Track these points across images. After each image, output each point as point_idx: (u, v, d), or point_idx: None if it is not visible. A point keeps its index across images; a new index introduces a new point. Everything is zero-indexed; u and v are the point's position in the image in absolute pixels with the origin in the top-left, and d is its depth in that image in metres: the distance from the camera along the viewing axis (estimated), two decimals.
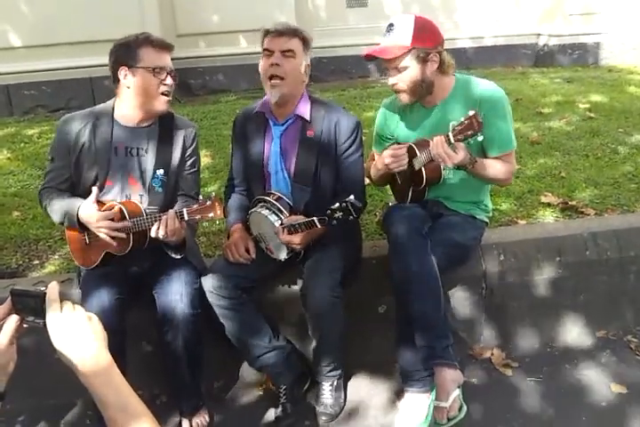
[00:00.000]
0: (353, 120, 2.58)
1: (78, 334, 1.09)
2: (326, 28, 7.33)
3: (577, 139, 4.58)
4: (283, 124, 2.56)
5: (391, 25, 2.43)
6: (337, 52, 7.35)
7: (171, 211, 2.25)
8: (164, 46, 2.40)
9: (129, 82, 2.37)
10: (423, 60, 2.41)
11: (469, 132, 2.19)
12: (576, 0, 7.67)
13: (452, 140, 2.25)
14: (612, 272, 2.97)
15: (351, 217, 2.19)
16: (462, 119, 2.20)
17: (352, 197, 2.20)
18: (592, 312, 2.99)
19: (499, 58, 7.95)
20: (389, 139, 2.74)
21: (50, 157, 2.53)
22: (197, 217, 2.18)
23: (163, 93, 2.40)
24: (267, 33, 2.46)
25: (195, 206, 2.18)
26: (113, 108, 2.48)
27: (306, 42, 2.49)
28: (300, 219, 2.34)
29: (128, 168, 2.46)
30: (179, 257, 2.46)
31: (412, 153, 2.49)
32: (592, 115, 5.17)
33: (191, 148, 2.57)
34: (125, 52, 2.36)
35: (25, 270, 3.12)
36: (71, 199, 2.42)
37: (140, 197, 2.47)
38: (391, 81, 2.48)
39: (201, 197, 2.24)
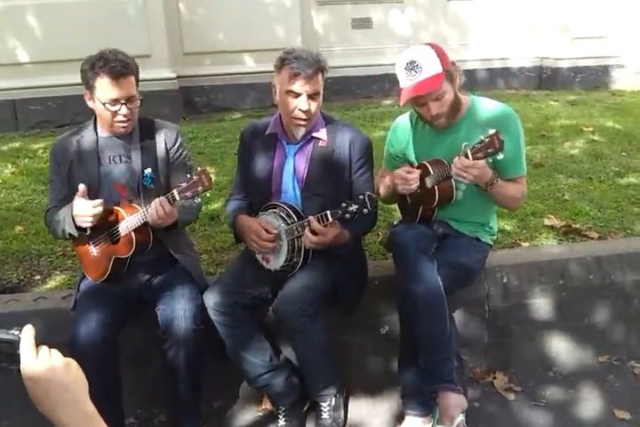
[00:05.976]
0: (366, 140, 2.61)
1: (54, 383, 0.99)
2: (332, 48, 7.39)
3: (580, 162, 4.59)
4: (297, 144, 2.56)
5: (413, 62, 2.33)
6: (342, 72, 7.40)
7: (159, 198, 2.26)
8: (120, 74, 2.32)
9: (91, 105, 2.44)
10: (451, 80, 2.41)
11: (490, 150, 2.18)
12: (581, 24, 7.73)
13: (471, 159, 2.23)
14: (616, 296, 2.95)
15: (365, 210, 2.20)
16: (482, 137, 2.20)
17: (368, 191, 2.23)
18: (595, 336, 2.97)
19: (503, 80, 8.00)
20: (400, 157, 2.72)
21: (50, 178, 2.62)
22: (188, 194, 2.19)
23: (118, 122, 2.41)
24: (295, 75, 2.34)
25: (183, 185, 2.20)
26: (95, 121, 2.53)
27: (325, 71, 2.43)
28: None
29: (113, 176, 2.50)
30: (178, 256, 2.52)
31: (425, 171, 2.48)
32: (595, 138, 5.19)
33: (175, 146, 2.58)
34: (85, 78, 2.38)
35: (26, 286, 3.11)
36: (64, 207, 2.45)
37: (128, 202, 2.49)
38: (434, 111, 2.39)
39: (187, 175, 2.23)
